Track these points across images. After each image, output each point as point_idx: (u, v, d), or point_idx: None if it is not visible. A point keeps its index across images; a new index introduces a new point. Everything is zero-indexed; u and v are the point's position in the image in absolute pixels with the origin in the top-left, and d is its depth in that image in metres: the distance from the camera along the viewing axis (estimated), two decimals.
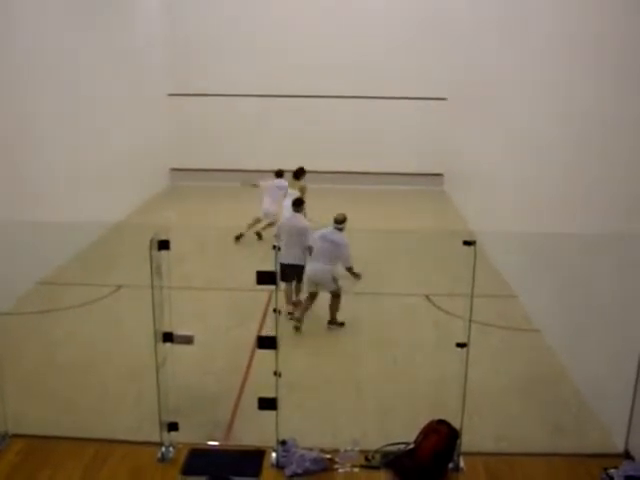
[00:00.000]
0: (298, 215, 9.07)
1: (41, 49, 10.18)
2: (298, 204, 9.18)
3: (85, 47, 11.81)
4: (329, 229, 8.65)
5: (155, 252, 4.89)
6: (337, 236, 8.55)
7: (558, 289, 7.82)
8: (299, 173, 12.13)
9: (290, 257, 8.53)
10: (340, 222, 8.60)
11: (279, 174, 12.31)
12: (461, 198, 15.04)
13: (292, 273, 8.79)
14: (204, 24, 16.70)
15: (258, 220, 12.22)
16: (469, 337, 5.02)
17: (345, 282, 8.68)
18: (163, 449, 5.19)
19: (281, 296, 8.38)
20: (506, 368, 7.45)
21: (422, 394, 6.80)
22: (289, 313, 8.81)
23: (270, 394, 5.01)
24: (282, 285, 8.54)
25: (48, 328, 8.30)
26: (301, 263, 8.75)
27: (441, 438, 5.08)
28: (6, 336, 5.57)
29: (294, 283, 9.02)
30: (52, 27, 10.59)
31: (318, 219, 9.90)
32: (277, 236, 9.01)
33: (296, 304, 8.96)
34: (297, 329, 8.41)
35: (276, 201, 11.75)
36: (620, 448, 5.55)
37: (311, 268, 8.61)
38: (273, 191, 11.93)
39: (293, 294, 9.08)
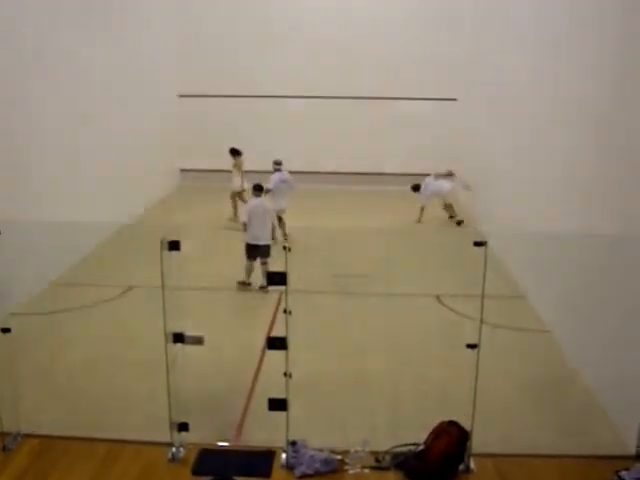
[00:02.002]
0: (262, 199, 10.18)
1: (53, 50, 10.25)
2: (259, 189, 10.21)
3: (96, 49, 11.84)
4: (278, 173, 12.18)
5: (166, 252, 4.91)
6: (288, 175, 12.23)
7: (569, 289, 7.78)
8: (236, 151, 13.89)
9: (263, 238, 9.89)
10: (280, 163, 12.32)
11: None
12: (470, 198, 14.98)
13: (260, 252, 9.81)
14: (215, 25, 16.73)
15: None
16: (480, 338, 5.00)
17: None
18: (173, 449, 5.21)
19: (271, 299, 8.46)
20: (516, 369, 7.42)
21: (432, 395, 6.78)
22: (241, 283, 9.96)
23: (280, 395, 5.01)
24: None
25: (60, 328, 8.34)
26: (269, 242, 10.01)
27: (452, 439, 5.07)
28: (19, 336, 5.59)
29: (259, 260, 9.95)
30: (63, 28, 10.63)
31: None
32: (246, 222, 9.93)
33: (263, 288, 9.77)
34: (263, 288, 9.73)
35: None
36: (632, 450, 5.51)
37: (281, 204, 11.96)
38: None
39: (261, 271, 9.79)
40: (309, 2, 16.73)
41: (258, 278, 9.74)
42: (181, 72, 16.69)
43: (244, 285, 9.97)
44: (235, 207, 13.83)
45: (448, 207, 13.97)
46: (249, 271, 9.99)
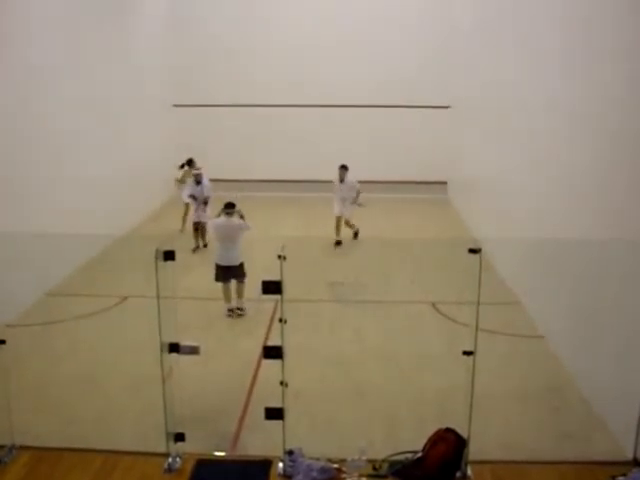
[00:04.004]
0: (232, 217, 9.42)
1: (48, 63, 10.28)
2: (231, 207, 9.47)
3: (91, 60, 11.87)
4: (207, 180, 12.54)
5: (161, 262, 4.89)
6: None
7: (563, 295, 7.79)
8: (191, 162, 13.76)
9: (232, 259, 9.27)
10: (200, 168, 12.73)
11: None
12: (465, 206, 15.02)
13: (233, 274, 9.29)
14: (209, 35, 16.78)
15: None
16: (476, 345, 5.00)
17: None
18: (170, 460, 5.17)
19: (266, 308, 8.45)
20: (512, 375, 7.42)
21: (429, 402, 6.78)
22: (229, 310, 9.34)
23: (277, 404, 5.00)
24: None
25: (54, 339, 8.31)
26: (241, 261, 9.32)
27: (449, 447, 5.06)
28: (13, 348, 5.56)
29: (234, 283, 9.39)
30: (57, 41, 10.67)
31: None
32: (215, 239, 9.60)
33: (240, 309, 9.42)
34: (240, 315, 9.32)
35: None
36: (629, 455, 5.51)
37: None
38: None
39: (233, 296, 9.40)
40: (302, 11, 16.77)
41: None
42: (176, 82, 16.72)
43: (231, 311, 9.36)
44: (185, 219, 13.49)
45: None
46: (227, 295, 9.38)
